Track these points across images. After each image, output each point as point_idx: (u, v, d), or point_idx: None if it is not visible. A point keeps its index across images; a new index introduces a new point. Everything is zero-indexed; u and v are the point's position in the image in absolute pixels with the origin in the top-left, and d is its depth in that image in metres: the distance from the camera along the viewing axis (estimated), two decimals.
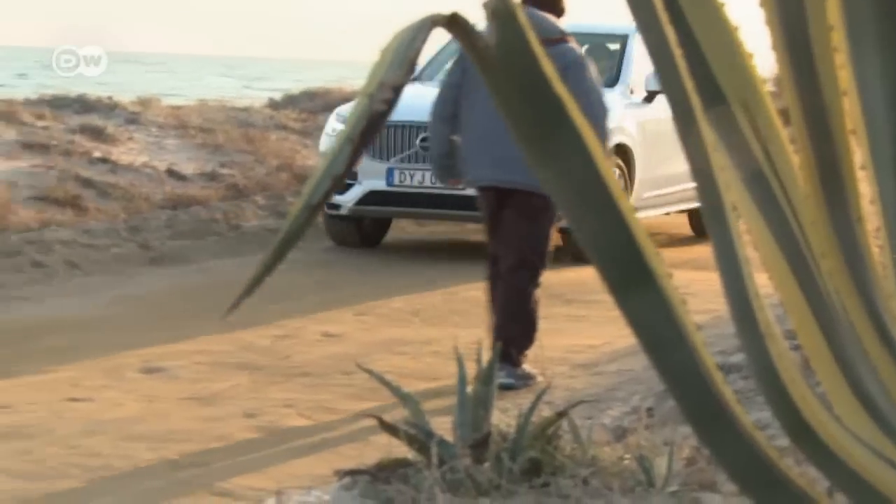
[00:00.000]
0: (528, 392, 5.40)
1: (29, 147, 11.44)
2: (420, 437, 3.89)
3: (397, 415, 4.24)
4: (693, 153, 1.71)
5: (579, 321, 7.70)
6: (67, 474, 5.00)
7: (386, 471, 3.83)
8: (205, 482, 4.91)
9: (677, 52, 1.67)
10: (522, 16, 1.63)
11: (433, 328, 7.79)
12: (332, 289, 8.94)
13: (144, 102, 14.48)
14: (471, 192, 8.67)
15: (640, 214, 9.99)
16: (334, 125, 10.38)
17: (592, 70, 6.58)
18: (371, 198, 10.05)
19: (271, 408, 6.01)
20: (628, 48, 11.22)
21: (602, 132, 6.35)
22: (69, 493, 4.82)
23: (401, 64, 1.60)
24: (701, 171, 1.70)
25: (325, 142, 10.47)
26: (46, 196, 10.36)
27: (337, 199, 9.89)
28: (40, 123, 12.31)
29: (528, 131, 1.66)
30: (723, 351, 5.51)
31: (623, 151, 10.42)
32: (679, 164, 10.97)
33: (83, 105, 13.54)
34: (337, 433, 5.62)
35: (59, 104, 13.35)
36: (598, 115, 6.32)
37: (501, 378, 6.40)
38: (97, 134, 12.46)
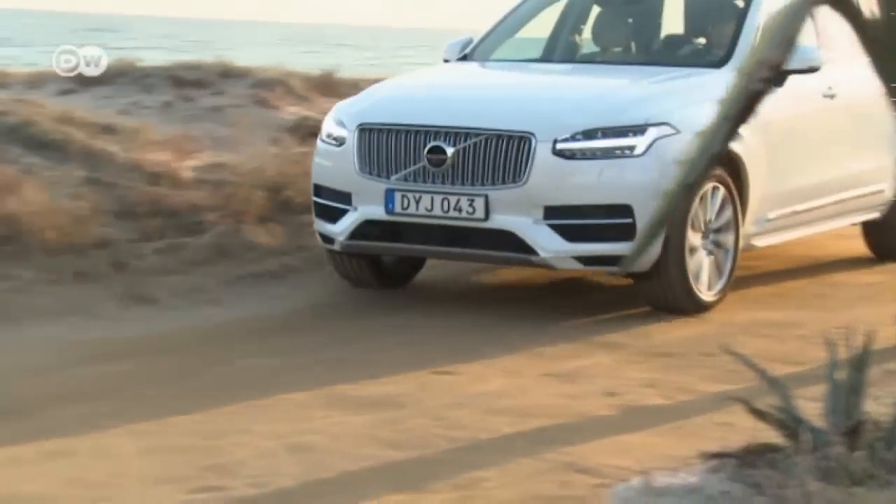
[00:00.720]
0: None
1: None
2: (789, 423, 3.81)
3: (760, 398, 4.17)
4: None
5: None
6: (433, 445, 5.16)
7: (753, 455, 3.77)
8: (567, 459, 4.98)
9: None
10: None
11: (798, 311, 7.63)
12: None
13: None
14: (496, 226, 6.94)
15: (764, 241, 7.83)
16: (329, 129, 7.57)
17: None
18: (367, 229, 7.27)
19: (631, 387, 6.03)
20: (752, 10, 8.01)
21: None
22: (434, 462, 4.98)
23: (780, 43, 1.57)
24: None
25: (320, 148, 7.68)
26: None
27: (329, 229, 7.44)
28: None
29: None
30: None
31: (728, 161, 7.32)
32: (830, 166, 8.24)
33: None
34: (698, 415, 5.59)
35: None
36: None
37: None
38: None
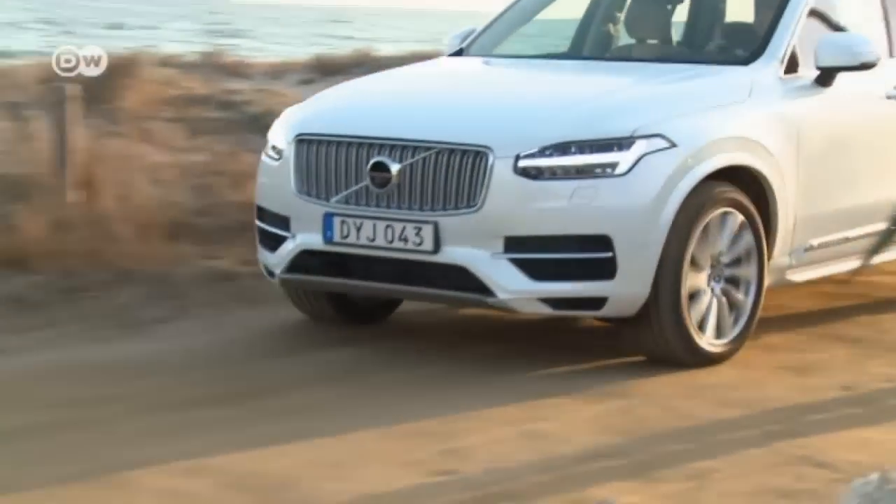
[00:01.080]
0: None
1: None
2: None
3: None
4: None
5: None
6: (664, 434, 5.21)
7: None
8: (802, 452, 4.98)
9: None
10: None
11: None
12: None
13: None
14: (446, 260, 5.78)
15: (804, 275, 6.51)
16: (273, 139, 6.41)
17: None
18: (306, 261, 6.11)
19: (869, 381, 6.00)
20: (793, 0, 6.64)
21: None
22: (665, 451, 5.02)
23: None
24: None
25: (262, 162, 6.49)
26: None
27: (268, 259, 6.32)
28: None
29: None
30: None
31: (744, 180, 6.16)
32: (891, 183, 6.78)
33: None
34: None
35: None
36: None
37: None
38: None
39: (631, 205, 5.70)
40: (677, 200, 5.76)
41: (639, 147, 5.73)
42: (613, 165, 5.71)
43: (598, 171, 5.71)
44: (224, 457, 4.79)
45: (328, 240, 5.95)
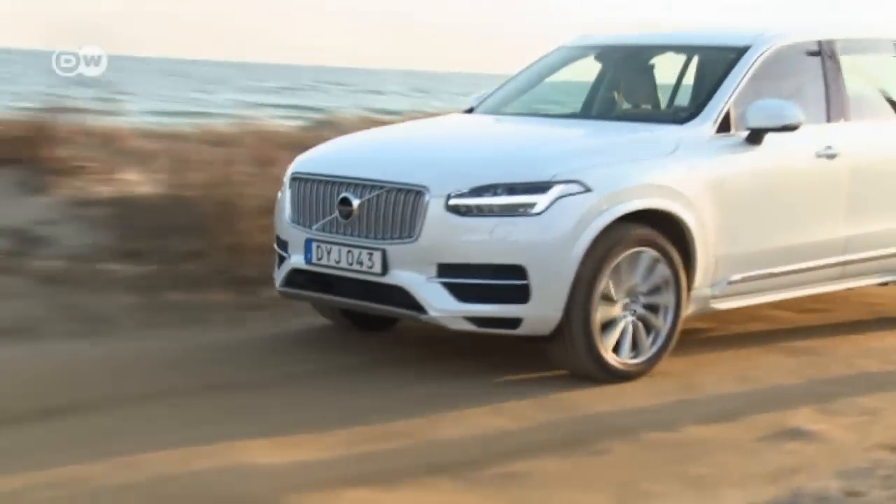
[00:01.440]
0: None
1: None
2: None
3: None
4: None
5: None
6: (843, 382, 5.67)
7: None
8: None
9: None
10: None
11: None
12: None
13: None
14: (391, 281, 5.54)
15: (729, 304, 5.99)
16: (285, 177, 6.21)
17: None
18: (295, 278, 6.07)
19: None
20: (738, 67, 6.19)
21: None
22: (844, 393, 5.42)
23: None
24: None
25: (278, 196, 6.27)
26: None
27: (276, 274, 6.27)
28: None
29: None
30: None
31: (660, 221, 5.71)
32: (822, 228, 6.33)
33: None
34: None
35: None
36: None
37: None
38: None
39: (544, 240, 5.50)
40: (589, 237, 5.56)
41: (555, 191, 5.51)
42: (531, 205, 5.50)
43: (520, 209, 5.50)
44: (535, 388, 5.39)
45: (308, 261, 5.99)
